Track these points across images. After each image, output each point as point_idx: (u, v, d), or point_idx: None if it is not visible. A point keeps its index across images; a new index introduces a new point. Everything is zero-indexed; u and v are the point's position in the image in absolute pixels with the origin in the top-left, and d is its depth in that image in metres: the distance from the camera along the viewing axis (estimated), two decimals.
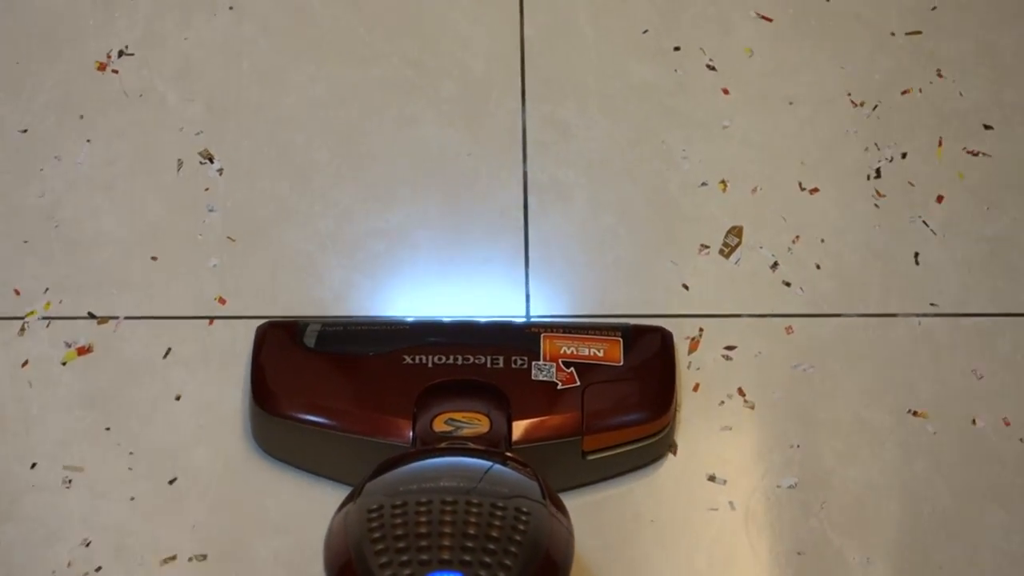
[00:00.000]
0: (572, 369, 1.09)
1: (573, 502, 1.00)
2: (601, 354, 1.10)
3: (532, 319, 1.18)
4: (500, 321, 1.15)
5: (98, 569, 1.10)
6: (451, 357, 1.10)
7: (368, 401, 1.08)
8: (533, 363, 1.09)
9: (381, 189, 1.23)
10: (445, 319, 1.15)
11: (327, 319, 1.14)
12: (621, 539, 1.11)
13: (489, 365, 1.09)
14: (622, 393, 1.09)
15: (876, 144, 1.25)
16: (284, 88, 1.26)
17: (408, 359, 1.09)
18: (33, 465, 1.13)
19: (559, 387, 1.09)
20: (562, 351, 1.10)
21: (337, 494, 1.00)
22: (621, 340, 1.11)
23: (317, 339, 1.11)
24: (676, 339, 1.17)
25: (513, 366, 1.09)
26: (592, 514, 1.11)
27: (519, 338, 1.11)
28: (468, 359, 1.09)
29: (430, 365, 1.09)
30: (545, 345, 1.10)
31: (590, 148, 1.25)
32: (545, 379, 1.09)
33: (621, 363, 1.10)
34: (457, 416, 1.06)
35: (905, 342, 1.18)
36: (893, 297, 1.20)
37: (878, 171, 1.24)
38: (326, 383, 1.09)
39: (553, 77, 1.26)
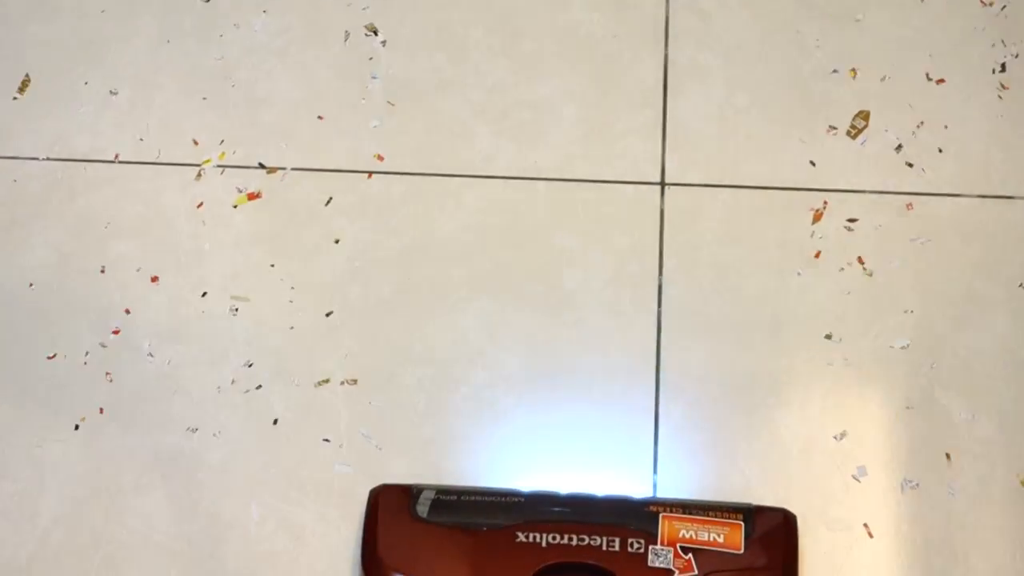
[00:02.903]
0: (690, 556, 1.06)
1: None
2: (721, 540, 1.07)
3: (666, 183, 1.26)
4: (618, 497, 1.12)
5: (258, 387, 1.20)
6: (566, 536, 1.07)
7: None
8: (650, 547, 1.06)
9: (530, 65, 1.32)
10: (561, 493, 1.12)
11: (442, 487, 1.13)
12: None
13: (605, 547, 1.06)
14: None
15: (1003, 41, 1.31)
16: None
17: (522, 536, 1.07)
18: (204, 294, 1.24)
19: (676, 575, 1.06)
20: (680, 535, 1.07)
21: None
22: (743, 524, 1.08)
23: (430, 508, 1.10)
24: (801, 210, 1.24)
25: (629, 550, 1.06)
26: None
27: (637, 517, 1.09)
28: (583, 539, 1.07)
29: (544, 544, 1.07)
30: (664, 527, 1.08)
31: (729, 35, 1.33)
32: (662, 566, 1.06)
33: (742, 551, 1.07)
34: None
35: (1020, 223, 1.24)
36: (1012, 180, 1.26)
37: (1003, 66, 1.30)
38: (436, 558, 1.08)
39: None
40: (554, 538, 1.07)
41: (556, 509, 1.10)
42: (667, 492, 1.16)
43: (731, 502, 1.11)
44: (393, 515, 1.10)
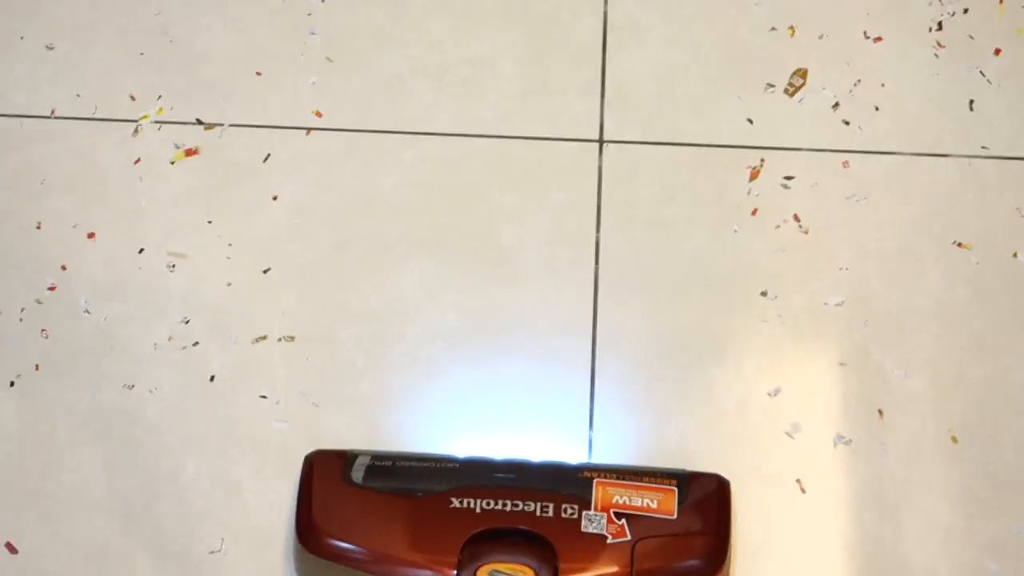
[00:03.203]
0: (623, 521, 1.06)
1: None
2: (655, 505, 1.07)
3: (604, 141, 1.26)
4: (553, 463, 1.12)
5: (195, 344, 1.20)
6: (500, 502, 1.07)
7: (412, 546, 1.06)
8: (584, 513, 1.06)
9: (470, 22, 1.32)
10: (497, 458, 1.13)
11: (377, 452, 1.13)
12: None
13: (539, 513, 1.06)
14: (674, 550, 1.06)
15: None
16: None
17: (456, 502, 1.07)
18: (141, 250, 1.23)
19: (609, 540, 1.05)
20: (614, 500, 1.07)
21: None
22: (676, 490, 1.08)
23: (365, 473, 1.10)
24: (738, 168, 1.25)
25: (563, 515, 1.06)
26: None
27: (571, 483, 1.08)
28: (517, 505, 1.07)
29: (478, 510, 1.07)
30: (597, 493, 1.07)
31: None
32: (595, 531, 1.06)
33: (675, 516, 1.07)
34: (502, 568, 1.05)
35: (955, 180, 1.25)
36: (946, 139, 1.27)
37: (940, 24, 1.31)
38: (370, 523, 1.07)
39: None
40: (488, 504, 1.07)
41: (491, 475, 1.10)
42: (602, 449, 1.16)
43: (666, 468, 1.12)
44: (328, 480, 1.10)
